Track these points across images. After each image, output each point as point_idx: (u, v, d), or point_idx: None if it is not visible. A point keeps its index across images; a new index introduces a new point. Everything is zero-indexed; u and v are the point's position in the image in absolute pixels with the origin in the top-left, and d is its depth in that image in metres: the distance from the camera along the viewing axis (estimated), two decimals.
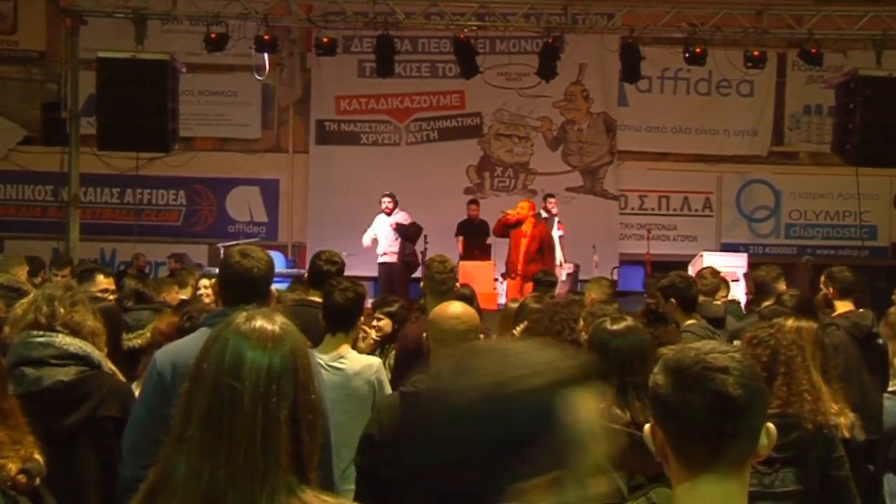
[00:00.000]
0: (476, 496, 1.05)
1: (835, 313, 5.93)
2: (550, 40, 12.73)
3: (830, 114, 13.94)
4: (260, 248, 3.44)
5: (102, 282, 5.66)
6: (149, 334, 5.01)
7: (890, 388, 4.62)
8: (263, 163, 15.64)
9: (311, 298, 4.98)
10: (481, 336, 3.32)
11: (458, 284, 5.57)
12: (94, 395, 3.39)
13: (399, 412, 3.05)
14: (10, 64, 15.25)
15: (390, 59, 12.79)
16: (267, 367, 1.58)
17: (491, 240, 13.16)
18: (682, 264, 10.76)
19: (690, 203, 15.91)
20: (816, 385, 3.43)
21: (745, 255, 13.31)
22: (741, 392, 1.64)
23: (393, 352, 5.33)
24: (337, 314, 4.31)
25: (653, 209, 15.88)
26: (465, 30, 12.88)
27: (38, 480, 2.89)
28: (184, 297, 6.98)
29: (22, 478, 2.79)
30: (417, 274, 11.09)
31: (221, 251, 12.46)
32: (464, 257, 12.58)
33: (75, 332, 3.44)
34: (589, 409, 1.11)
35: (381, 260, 12.61)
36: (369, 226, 12.71)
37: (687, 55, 12.56)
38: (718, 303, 7.32)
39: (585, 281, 12.67)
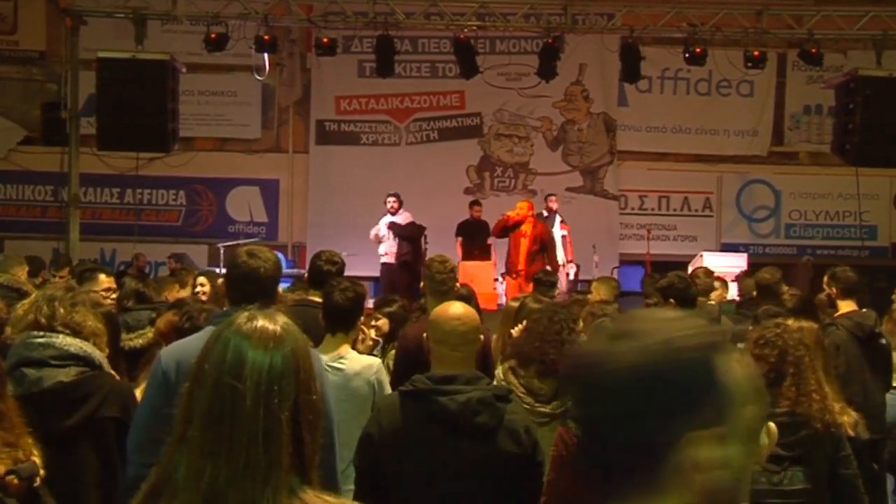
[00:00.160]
0: (651, 444, 1.17)
1: (837, 313, 5.93)
2: (550, 40, 12.72)
3: (830, 114, 13.94)
4: (268, 249, 3.43)
5: (105, 281, 5.67)
6: (150, 334, 5.02)
7: (894, 384, 4.63)
8: (263, 163, 15.64)
9: (312, 298, 4.98)
10: (481, 336, 3.31)
11: (458, 284, 5.58)
12: (95, 396, 3.38)
13: (399, 412, 3.04)
14: (10, 64, 15.25)
15: (390, 59, 12.78)
16: (268, 368, 1.57)
17: (491, 240, 13.16)
18: (682, 264, 10.76)
19: (690, 203, 15.91)
20: (822, 385, 3.46)
21: (745, 255, 13.32)
22: None
23: (392, 351, 5.34)
24: (337, 314, 4.30)
25: (653, 209, 15.88)
26: (465, 30, 12.88)
27: (37, 481, 2.89)
28: (184, 296, 6.98)
29: (12, 479, 2.78)
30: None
31: (222, 251, 12.49)
32: (464, 257, 12.58)
33: (76, 332, 3.43)
34: (741, 371, 1.21)
35: (382, 260, 12.62)
36: (374, 225, 12.73)
37: (687, 55, 12.55)
38: (713, 302, 7.35)
39: (585, 281, 12.73)
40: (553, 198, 13.28)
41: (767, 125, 15.81)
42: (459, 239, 13.06)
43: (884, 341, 5.62)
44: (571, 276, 12.93)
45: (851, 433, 3.49)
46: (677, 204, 15.89)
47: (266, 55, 12.93)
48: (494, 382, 3.61)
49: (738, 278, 8.87)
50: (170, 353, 3.15)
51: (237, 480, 1.52)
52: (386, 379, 4.42)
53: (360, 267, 10.92)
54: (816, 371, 3.48)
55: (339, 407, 3.72)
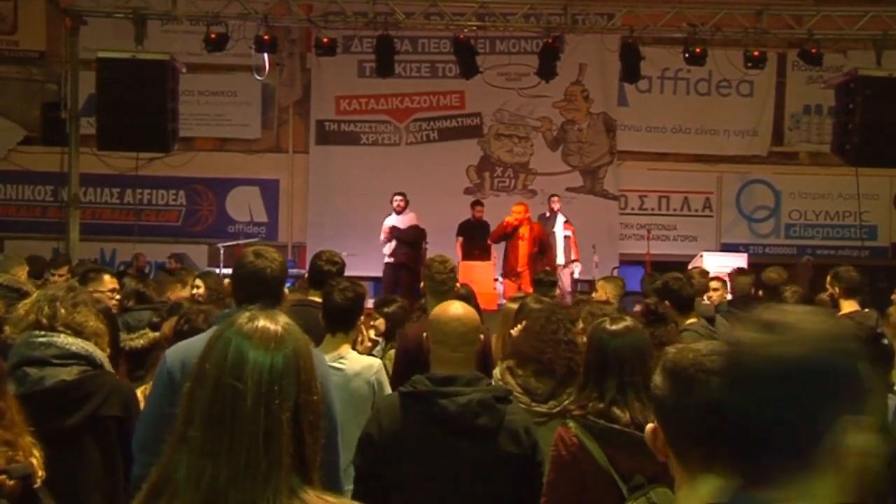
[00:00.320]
0: (810, 428, 1.24)
1: (840, 313, 5.92)
2: (550, 40, 12.72)
3: (830, 114, 13.94)
4: (274, 249, 3.43)
5: (110, 282, 5.69)
6: (150, 334, 5.03)
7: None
8: (263, 163, 15.64)
9: (312, 298, 4.98)
10: (481, 337, 3.31)
11: (458, 284, 5.58)
12: (97, 395, 3.39)
13: (399, 413, 3.05)
14: (10, 64, 15.25)
15: (390, 59, 12.78)
16: (269, 368, 1.58)
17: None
18: (683, 264, 10.75)
19: (690, 203, 15.91)
20: None
21: (745, 255, 13.32)
22: None
23: (392, 351, 5.34)
24: (337, 314, 4.31)
25: (653, 209, 15.88)
26: (465, 30, 12.88)
27: (37, 482, 2.88)
28: (184, 296, 6.98)
29: (3, 478, 2.77)
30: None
31: (222, 251, 12.49)
32: (464, 257, 12.58)
33: (77, 332, 3.44)
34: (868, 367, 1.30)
35: (386, 260, 12.63)
36: (375, 224, 12.72)
37: (687, 55, 12.55)
38: (708, 302, 7.36)
39: (586, 282, 12.73)
40: (555, 198, 13.30)
41: (767, 125, 15.81)
42: (460, 239, 13.06)
43: (886, 342, 5.61)
44: (577, 275, 12.93)
45: None
46: (677, 204, 15.89)
47: (266, 55, 12.92)
48: (493, 382, 3.61)
49: (731, 276, 8.85)
50: (175, 352, 3.15)
51: (238, 480, 1.52)
52: (386, 379, 4.42)
53: (360, 267, 10.93)
54: None
55: (338, 407, 3.73)
